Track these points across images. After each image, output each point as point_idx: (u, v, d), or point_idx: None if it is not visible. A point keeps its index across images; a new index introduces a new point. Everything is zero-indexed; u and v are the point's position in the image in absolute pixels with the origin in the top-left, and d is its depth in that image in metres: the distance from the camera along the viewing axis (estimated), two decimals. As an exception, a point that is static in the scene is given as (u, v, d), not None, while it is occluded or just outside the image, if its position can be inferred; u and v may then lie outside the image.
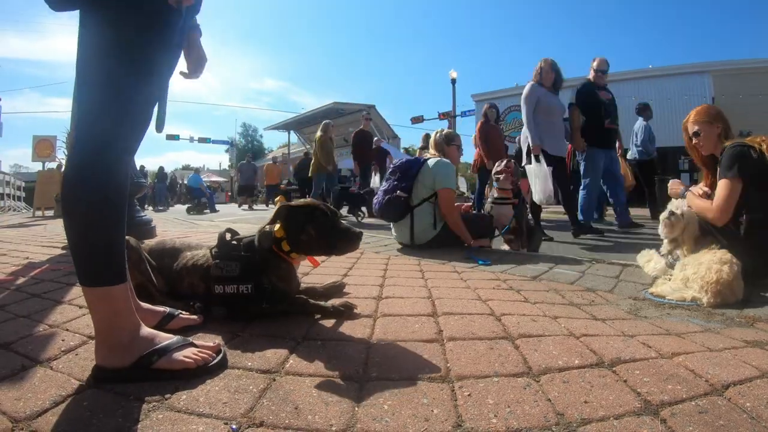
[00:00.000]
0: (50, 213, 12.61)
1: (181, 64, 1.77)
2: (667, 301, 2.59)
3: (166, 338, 1.53)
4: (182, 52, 1.74)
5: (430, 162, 4.62)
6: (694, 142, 3.43)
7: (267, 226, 2.12)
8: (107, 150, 1.42)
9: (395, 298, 2.41)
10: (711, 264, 2.62)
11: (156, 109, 1.56)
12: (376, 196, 4.84)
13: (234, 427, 1.14)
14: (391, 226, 4.88)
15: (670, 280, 2.93)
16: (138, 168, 4.39)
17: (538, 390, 1.34)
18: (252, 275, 2.00)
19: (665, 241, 3.30)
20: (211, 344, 1.59)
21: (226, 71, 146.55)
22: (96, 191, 1.41)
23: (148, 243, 2.40)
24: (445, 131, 5.09)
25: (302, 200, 2.18)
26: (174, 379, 1.39)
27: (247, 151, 46.84)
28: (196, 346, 1.55)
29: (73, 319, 2.02)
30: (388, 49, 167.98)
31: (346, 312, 2.08)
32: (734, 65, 22.66)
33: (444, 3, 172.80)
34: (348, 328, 1.93)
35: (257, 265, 2.02)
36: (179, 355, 1.47)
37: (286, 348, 1.67)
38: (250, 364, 1.54)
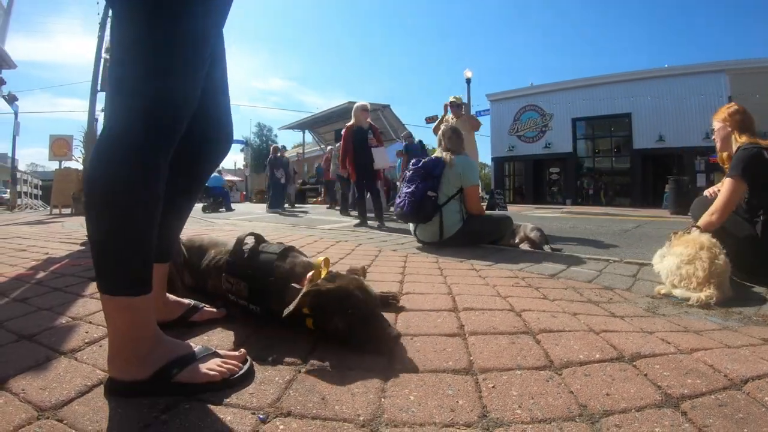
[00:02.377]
0: (67, 211, 12.71)
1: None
2: (682, 300, 2.57)
3: (187, 348, 1.41)
4: None
5: (454, 160, 4.72)
6: (712, 137, 3.50)
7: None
8: (144, 148, 1.27)
9: (416, 294, 2.42)
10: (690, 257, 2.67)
11: None
12: (399, 199, 4.80)
13: (262, 416, 1.15)
14: (412, 227, 4.93)
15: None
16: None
17: (560, 383, 1.36)
18: (262, 299, 1.84)
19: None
20: (237, 353, 1.46)
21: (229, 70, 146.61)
22: (130, 191, 1.26)
23: (180, 238, 2.32)
24: (450, 130, 5.07)
25: (337, 281, 1.71)
26: (197, 393, 1.28)
27: (262, 151, 46.89)
28: (220, 356, 1.43)
29: (95, 312, 2.02)
30: (403, 48, 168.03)
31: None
32: (751, 64, 22.47)
33: (459, 2, 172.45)
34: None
35: (269, 292, 1.83)
36: (203, 368, 1.35)
37: (309, 342, 1.67)
38: (275, 357, 1.53)
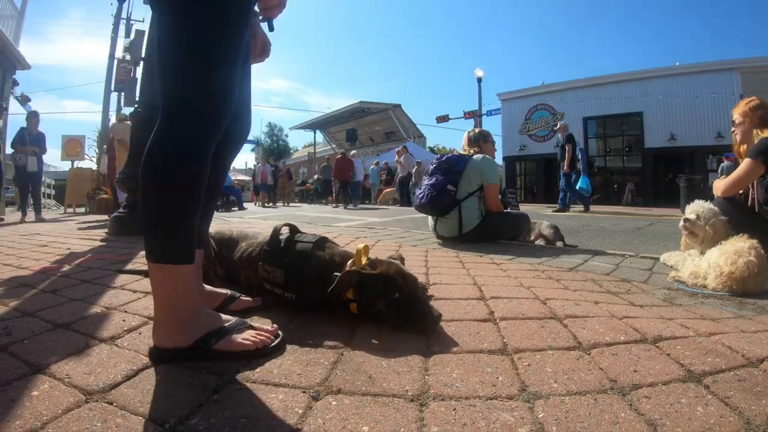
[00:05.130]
0: (81, 209, 12.82)
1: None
2: (701, 291, 2.63)
3: (225, 320, 1.54)
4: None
5: (476, 158, 4.82)
6: (732, 129, 3.55)
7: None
8: (190, 133, 1.42)
9: (443, 285, 2.47)
10: (735, 253, 2.65)
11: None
12: (420, 191, 4.94)
13: (314, 394, 1.20)
14: (431, 221, 5.02)
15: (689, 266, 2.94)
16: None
17: (590, 361, 1.43)
18: (297, 286, 1.91)
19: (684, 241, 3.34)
20: (269, 328, 1.58)
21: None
22: (180, 176, 1.41)
23: (209, 232, 2.37)
24: (479, 130, 5.31)
25: (379, 267, 1.79)
26: (232, 360, 1.39)
27: (273, 151, 46.94)
28: (254, 328, 1.55)
29: (129, 302, 2.07)
30: (414, 48, 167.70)
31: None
32: (763, 62, 22.37)
33: (470, 1, 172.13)
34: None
35: (304, 276, 1.91)
36: (238, 338, 1.47)
37: (347, 328, 1.73)
38: (314, 341, 1.59)
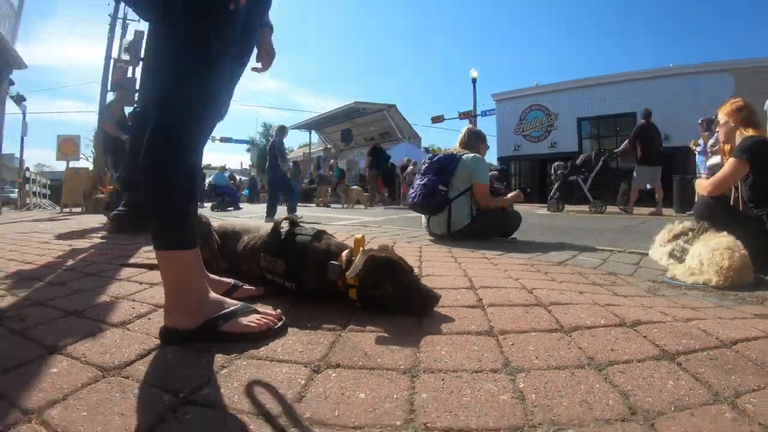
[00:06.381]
0: (78, 209, 12.81)
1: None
2: (683, 283, 2.75)
3: (232, 304, 1.64)
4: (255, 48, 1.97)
5: (466, 158, 4.92)
6: (715, 129, 3.65)
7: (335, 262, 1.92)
8: (185, 133, 1.58)
9: (435, 276, 2.56)
10: (723, 250, 2.76)
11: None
12: (412, 190, 5.08)
13: (315, 368, 1.32)
14: (424, 219, 5.13)
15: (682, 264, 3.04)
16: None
17: (570, 341, 1.54)
18: (297, 275, 2.02)
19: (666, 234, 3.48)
20: (273, 312, 1.70)
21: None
22: (177, 169, 1.57)
23: (213, 226, 2.49)
24: (474, 129, 5.42)
25: (383, 251, 1.93)
26: (239, 342, 1.49)
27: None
28: (259, 312, 1.65)
29: (136, 292, 2.15)
30: (407, 48, 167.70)
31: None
32: (755, 63, 22.49)
33: (463, 1, 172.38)
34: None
35: (303, 266, 2.00)
36: (244, 320, 1.57)
37: (344, 314, 1.83)
38: (314, 324, 1.69)
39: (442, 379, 1.26)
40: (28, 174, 18.43)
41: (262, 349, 1.47)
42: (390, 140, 33.33)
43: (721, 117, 3.60)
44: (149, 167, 1.57)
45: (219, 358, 1.39)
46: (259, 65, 2.09)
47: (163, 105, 1.59)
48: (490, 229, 4.93)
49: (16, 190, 20.00)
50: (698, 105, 23.49)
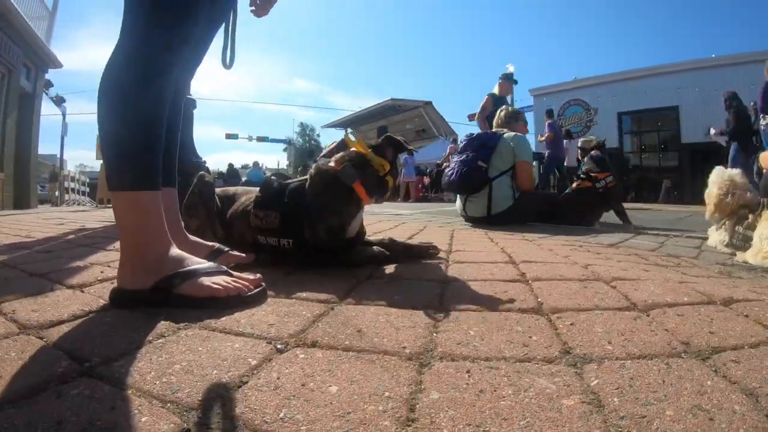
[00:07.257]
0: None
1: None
2: (759, 266, 2.27)
3: (196, 262, 1.34)
4: None
5: (508, 136, 4.60)
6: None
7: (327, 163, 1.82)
8: (152, 55, 1.33)
9: (467, 251, 2.20)
10: None
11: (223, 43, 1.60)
12: (449, 168, 4.76)
13: (280, 346, 0.94)
14: (459, 203, 4.79)
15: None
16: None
17: (650, 321, 1.14)
18: (293, 228, 1.75)
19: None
20: (251, 276, 1.36)
21: (254, 73, 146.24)
22: (137, 94, 1.31)
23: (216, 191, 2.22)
24: (511, 108, 5.21)
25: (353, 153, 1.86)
26: (196, 308, 1.18)
27: (305, 150, 47.51)
28: (231, 275, 1.34)
29: (116, 260, 1.84)
30: (443, 44, 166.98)
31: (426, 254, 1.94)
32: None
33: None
34: (416, 271, 1.75)
35: (302, 215, 1.75)
36: (208, 281, 1.27)
37: (347, 284, 1.49)
38: (305, 294, 1.35)
39: (468, 371, 0.83)
40: (66, 172, 18.92)
41: (224, 318, 1.12)
42: (426, 138, 33.10)
43: None
44: (103, 86, 1.32)
45: (162, 326, 1.07)
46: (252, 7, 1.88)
47: (132, 30, 1.35)
48: (534, 212, 4.51)
49: (46, 185, 20.64)
50: (742, 96, 22.73)
